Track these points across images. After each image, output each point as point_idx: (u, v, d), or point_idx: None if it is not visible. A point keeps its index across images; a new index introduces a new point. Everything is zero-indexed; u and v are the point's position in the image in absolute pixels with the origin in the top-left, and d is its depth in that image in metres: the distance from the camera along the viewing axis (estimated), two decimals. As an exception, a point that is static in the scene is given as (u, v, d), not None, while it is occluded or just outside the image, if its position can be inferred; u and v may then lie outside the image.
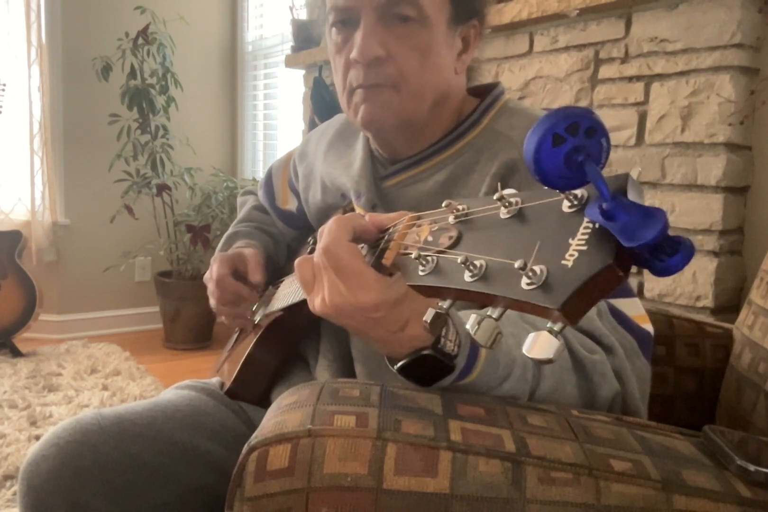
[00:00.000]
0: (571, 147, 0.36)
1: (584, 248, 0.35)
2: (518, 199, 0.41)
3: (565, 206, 0.37)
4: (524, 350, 0.38)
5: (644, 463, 0.47)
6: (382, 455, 0.45)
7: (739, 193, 1.37)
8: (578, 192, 0.37)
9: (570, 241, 0.36)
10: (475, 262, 0.40)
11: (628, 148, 1.52)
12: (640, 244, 0.32)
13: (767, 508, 0.46)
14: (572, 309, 0.35)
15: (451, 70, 0.82)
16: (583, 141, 0.36)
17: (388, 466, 0.44)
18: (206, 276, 0.96)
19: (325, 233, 0.53)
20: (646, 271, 1.47)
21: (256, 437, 0.47)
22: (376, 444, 0.45)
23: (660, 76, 1.45)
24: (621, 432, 0.53)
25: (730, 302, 1.38)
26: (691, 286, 1.39)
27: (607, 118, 1.56)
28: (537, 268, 0.36)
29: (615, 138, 1.55)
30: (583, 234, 0.35)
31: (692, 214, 1.39)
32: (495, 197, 0.41)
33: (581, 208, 0.37)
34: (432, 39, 0.77)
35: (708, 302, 1.36)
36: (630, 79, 1.52)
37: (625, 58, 1.52)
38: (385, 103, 0.79)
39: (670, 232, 0.34)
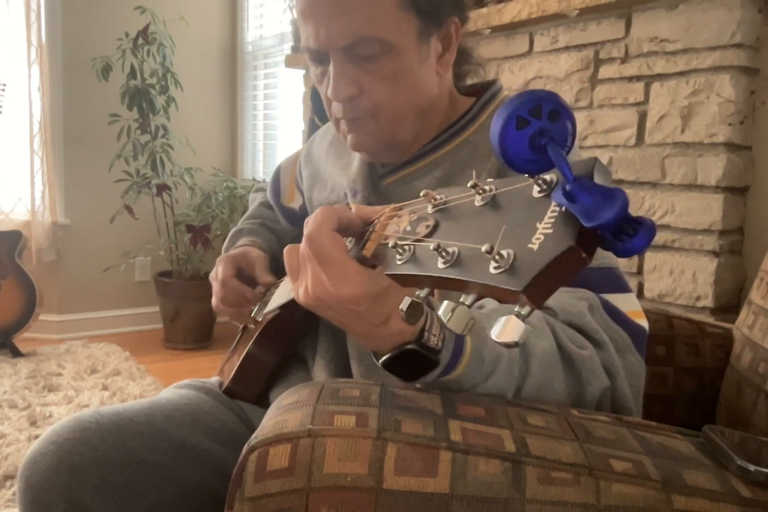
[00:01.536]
0: (535, 129, 0.36)
1: (550, 231, 0.35)
2: (492, 187, 0.41)
3: (535, 191, 0.38)
4: (492, 335, 0.38)
5: (644, 463, 0.47)
6: (382, 455, 0.45)
7: (739, 193, 1.37)
8: (547, 176, 0.37)
9: (537, 224, 0.36)
10: (448, 249, 0.41)
11: (628, 148, 1.52)
12: (600, 224, 0.33)
13: (767, 508, 0.46)
14: (536, 293, 0.35)
15: (432, 78, 0.81)
16: (547, 124, 0.36)
17: (388, 466, 0.44)
18: (211, 275, 0.96)
19: (310, 222, 0.52)
20: (646, 272, 1.47)
21: (256, 437, 0.47)
22: (376, 444, 0.45)
23: (660, 76, 1.45)
24: (621, 432, 0.53)
25: (730, 302, 1.38)
26: (691, 286, 1.39)
27: (607, 118, 1.56)
28: (504, 252, 0.36)
29: (615, 138, 1.55)
30: (549, 217, 0.36)
31: (692, 214, 1.39)
32: (469, 185, 0.42)
33: (550, 192, 0.37)
34: (402, 64, 0.77)
35: (708, 302, 1.36)
36: (630, 79, 1.52)
37: (625, 58, 1.52)
38: (368, 132, 0.81)
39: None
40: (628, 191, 1.51)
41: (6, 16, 3.01)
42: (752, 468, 0.48)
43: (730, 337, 0.98)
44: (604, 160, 1.56)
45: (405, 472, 0.44)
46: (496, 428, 0.49)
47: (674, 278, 1.42)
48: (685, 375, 0.99)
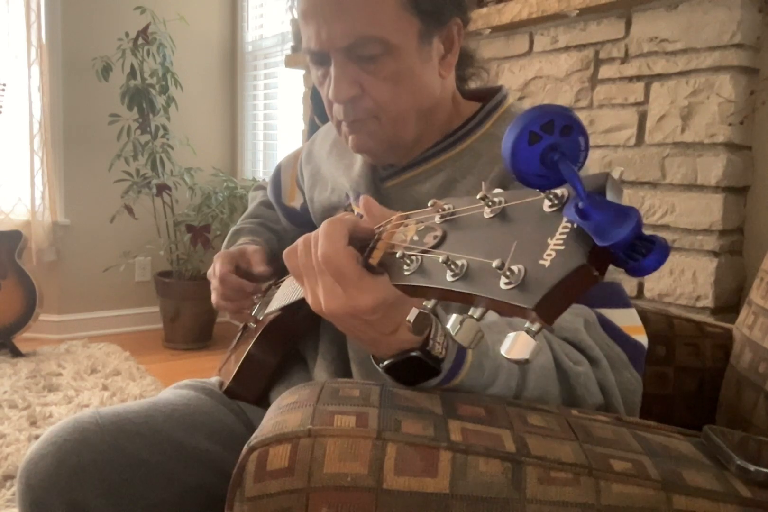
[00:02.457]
0: (547, 145, 0.36)
1: (561, 248, 0.35)
2: (502, 199, 0.41)
3: (546, 205, 0.37)
4: (502, 351, 0.37)
5: (644, 463, 0.47)
6: (382, 455, 0.45)
7: (739, 193, 1.37)
8: (559, 191, 0.37)
9: (548, 240, 0.36)
10: (457, 262, 0.40)
11: (628, 148, 1.52)
12: (613, 243, 0.32)
13: (767, 508, 0.46)
14: (547, 310, 0.34)
15: (434, 79, 0.81)
16: (559, 139, 0.36)
17: (388, 466, 0.44)
18: (209, 271, 0.96)
19: (322, 239, 0.51)
20: (646, 271, 1.47)
21: (256, 437, 0.47)
22: (376, 444, 0.45)
23: (660, 76, 1.45)
24: (621, 432, 0.53)
25: (730, 302, 1.38)
26: (691, 286, 1.39)
27: (607, 118, 1.56)
28: (515, 268, 0.36)
29: (615, 138, 1.55)
30: (561, 233, 0.35)
31: (692, 214, 1.39)
32: (478, 196, 0.41)
33: (561, 207, 0.36)
34: (403, 65, 0.77)
35: (708, 302, 1.36)
36: (630, 79, 1.52)
37: (625, 58, 1.52)
38: (370, 133, 0.81)
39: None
40: (628, 191, 1.51)
41: (6, 16, 3.01)
42: (752, 468, 0.47)
43: (730, 337, 0.98)
44: (604, 161, 1.56)
45: (405, 472, 0.44)
46: (496, 428, 0.49)
47: (674, 278, 1.42)
48: (685, 375, 0.99)
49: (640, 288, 1.49)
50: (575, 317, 0.67)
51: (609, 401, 0.65)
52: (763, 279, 0.91)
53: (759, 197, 1.37)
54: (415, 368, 0.54)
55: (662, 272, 1.45)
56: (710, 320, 1.15)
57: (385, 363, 0.55)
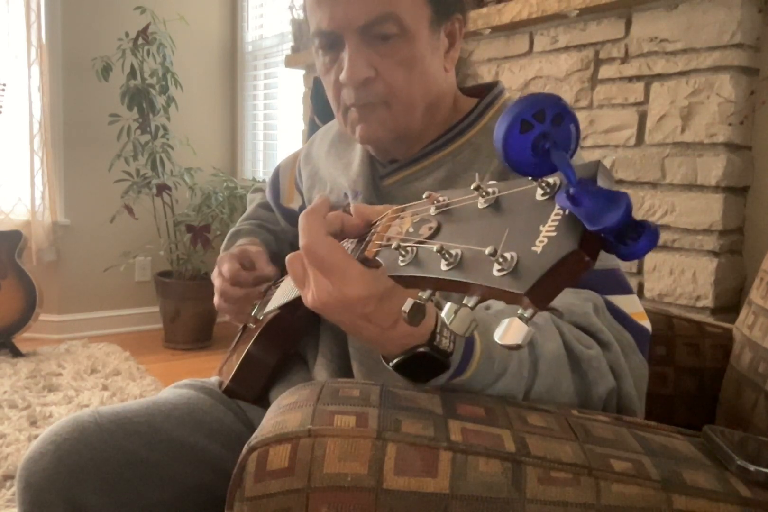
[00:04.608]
0: (539, 133, 0.36)
1: (553, 234, 0.35)
2: (495, 189, 0.41)
3: (539, 194, 0.38)
4: (495, 337, 0.37)
5: (644, 463, 0.47)
6: (382, 455, 0.45)
7: (739, 193, 1.37)
8: (551, 179, 0.37)
9: (541, 227, 0.36)
10: (451, 251, 0.41)
11: (628, 148, 1.52)
12: (604, 228, 0.33)
13: (767, 508, 0.46)
14: (539, 295, 0.35)
15: (440, 71, 0.82)
16: (551, 127, 0.37)
17: (388, 466, 0.44)
18: (214, 274, 0.96)
19: (301, 232, 0.51)
20: (646, 272, 1.47)
21: (256, 437, 0.47)
22: (376, 444, 0.45)
23: (660, 76, 1.45)
24: (621, 432, 0.53)
25: (730, 302, 1.38)
26: (691, 286, 1.39)
27: (607, 118, 1.56)
28: (508, 255, 0.36)
29: (615, 138, 1.55)
30: (553, 220, 0.36)
31: (692, 214, 1.39)
32: (472, 187, 0.42)
33: (553, 195, 0.37)
34: (416, 50, 0.78)
35: (708, 302, 1.36)
36: (630, 79, 1.52)
37: (625, 58, 1.52)
38: (380, 121, 0.81)
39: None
40: (628, 191, 1.51)
41: (6, 16, 3.01)
42: (752, 468, 0.47)
43: (730, 337, 0.98)
44: (605, 161, 1.56)
45: (405, 472, 0.44)
46: (496, 428, 0.49)
47: (674, 278, 1.42)
48: (685, 375, 0.99)
49: (640, 288, 1.49)
50: (584, 302, 0.67)
51: (621, 384, 0.65)
52: (763, 280, 0.91)
53: (759, 197, 1.37)
54: (424, 364, 0.54)
55: (662, 272, 1.45)
56: (710, 320, 1.15)
57: (395, 361, 0.55)
